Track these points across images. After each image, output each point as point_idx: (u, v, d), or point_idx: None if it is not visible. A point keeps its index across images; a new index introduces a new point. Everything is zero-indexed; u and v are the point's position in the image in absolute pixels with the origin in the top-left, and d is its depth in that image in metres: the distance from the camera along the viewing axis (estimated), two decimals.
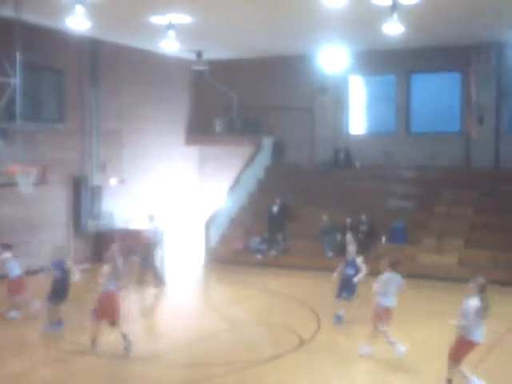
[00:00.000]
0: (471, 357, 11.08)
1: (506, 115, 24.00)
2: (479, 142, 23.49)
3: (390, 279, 12.50)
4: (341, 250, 21.70)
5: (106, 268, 12.80)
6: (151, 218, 19.50)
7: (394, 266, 12.62)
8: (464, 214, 22.01)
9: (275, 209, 23.35)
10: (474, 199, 22.47)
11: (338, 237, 21.94)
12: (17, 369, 11.82)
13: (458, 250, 20.77)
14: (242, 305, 17.51)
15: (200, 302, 18.78)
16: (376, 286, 12.57)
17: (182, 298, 18.65)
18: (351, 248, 14.83)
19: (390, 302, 12.55)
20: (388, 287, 12.42)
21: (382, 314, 12.47)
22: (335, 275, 14.79)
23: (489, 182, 22.78)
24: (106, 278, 12.64)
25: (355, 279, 14.43)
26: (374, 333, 12.60)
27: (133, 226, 23.01)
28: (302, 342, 13.68)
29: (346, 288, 14.60)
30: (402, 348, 12.37)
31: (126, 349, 12.53)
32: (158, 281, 19.12)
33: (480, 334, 10.71)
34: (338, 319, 14.72)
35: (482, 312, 10.56)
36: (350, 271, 14.56)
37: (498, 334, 13.92)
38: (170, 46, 19.45)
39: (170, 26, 18.65)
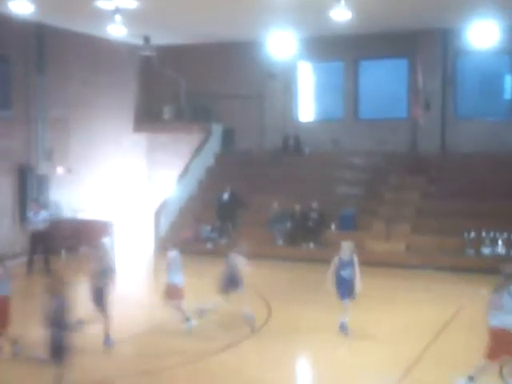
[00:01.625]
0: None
1: (451, 101, 24.32)
2: (426, 129, 23.76)
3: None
4: (291, 238, 21.92)
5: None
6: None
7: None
8: (411, 199, 22.28)
9: (225, 197, 23.25)
10: (420, 185, 22.76)
11: (289, 225, 22.02)
12: None
13: (406, 236, 21.02)
14: (193, 294, 17.36)
15: (150, 292, 18.59)
16: None
17: (132, 288, 18.44)
18: (346, 248, 13.50)
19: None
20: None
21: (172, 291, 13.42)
22: (330, 279, 13.42)
23: (435, 168, 23.08)
24: None
25: (356, 280, 13.36)
26: None
27: (81, 215, 22.70)
28: (253, 330, 13.67)
29: (348, 288, 13.36)
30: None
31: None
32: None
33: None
34: (344, 327, 13.32)
35: None
36: (347, 271, 13.34)
37: (449, 315, 14.24)
38: (116, 31, 19.15)
39: (117, 11, 18.34)
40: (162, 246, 22.82)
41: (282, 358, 12.21)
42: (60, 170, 22.84)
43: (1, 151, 20.05)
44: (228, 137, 26.80)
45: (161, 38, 24.06)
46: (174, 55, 25.89)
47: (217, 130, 26.59)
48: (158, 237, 23.35)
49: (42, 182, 22.29)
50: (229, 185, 23.40)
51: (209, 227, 22.80)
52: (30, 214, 19.76)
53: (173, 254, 13.63)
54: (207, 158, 26.02)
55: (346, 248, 13.40)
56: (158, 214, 23.64)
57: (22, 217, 21.58)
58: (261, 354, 12.33)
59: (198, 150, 25.88)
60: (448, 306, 15.60)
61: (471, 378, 10.28)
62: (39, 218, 19.40)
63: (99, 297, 12.71)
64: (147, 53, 24.56)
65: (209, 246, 22.43)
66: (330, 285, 13.30)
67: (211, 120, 26.41)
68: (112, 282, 13.09)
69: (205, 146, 26.06)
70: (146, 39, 24.07)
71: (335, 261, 13.34)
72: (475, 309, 15.24)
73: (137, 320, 14.74)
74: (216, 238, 22.55)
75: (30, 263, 19.26)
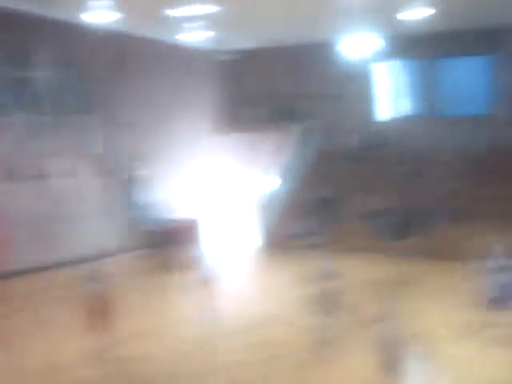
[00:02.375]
0: None
1: None
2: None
3: None
4: (393, 233, 21.48)
5: None
6: None
7: None
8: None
9: (323, 193, 23.14)
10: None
11: (388, 220, 21.74)
12: None
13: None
14: (297, 289, 16.94)
15: (253, 287, 18.62)
16: None
17: (236, 283, 18.55)
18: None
19: None
20: None
21: None
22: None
23: None
24: None
25: None
26: None
27: (169, 215, 23.15)
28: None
29: None
30: None
31: None
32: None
33: None
34: None
35: None
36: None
37: None
38: (196, 36, 19.42)
39: (195, 17, 18.60)
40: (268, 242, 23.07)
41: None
42: (146, 172, 23.32)
43: (90, 155, 20.43)
44: (326, 134, 26.52)
45: (240, 42, 24.25)
46: (251, 58, 26.00)
47: (300, 129, 26.51)
48: (263, 232, 23.33)
49: (130, 184, 22.90)
50: (325, 182, 23.28)
51: (312, 222, 22.50)
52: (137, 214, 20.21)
53: None
54: (307, 155, 25.90)
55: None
56: (259, 212, 23.71)
57: (114, 217, 22.26)
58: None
59: (282, 150, 25.85)
60: None
61: None
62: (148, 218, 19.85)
63: None
64: (227, 57, 24.80)
65: (308, 241, 21.95)
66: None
67: (291, 120, 26.36)
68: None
69: (293, 145, 26.00)
70: (226, 44, 24.31)
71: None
72: None
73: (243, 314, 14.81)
74: (320, 233, 22.18)
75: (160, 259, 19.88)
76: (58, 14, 18.07)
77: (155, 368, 11.51)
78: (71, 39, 20.23)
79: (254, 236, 23.52)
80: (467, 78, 24.87)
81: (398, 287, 16.14)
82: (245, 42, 24.57)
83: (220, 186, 26.56)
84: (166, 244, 21.35)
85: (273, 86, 26.22)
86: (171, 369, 11.49)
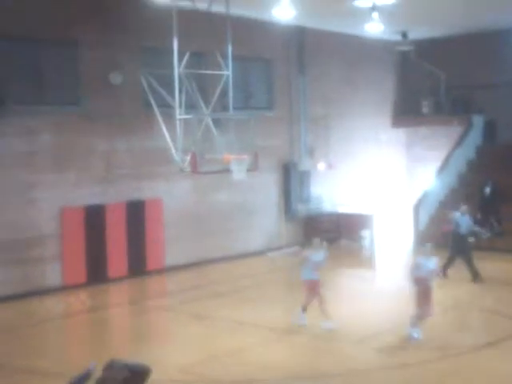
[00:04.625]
0: None
1: None
2: None
3: None
4: None
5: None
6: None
7: None
8: None
9: (487, 190, 22.48)
10: None
11: None
12: None
13: None
14: (450, 289, 17.02)
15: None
16: None
17: (392, 283, 18.52)
18: None
19: None
20: None
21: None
22: None
23: None
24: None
25: None
26: None
27: (341, 209, 23.36)
28: None
29: None
30: None
31: None
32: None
33: None
34: None
35: None
36: None
37: None
38: (374, 28, 19.45)
39: (374, 8, 18.62)
40: (422, 240, 22.73)
41: None
42: (321, 165, 23.63)
43: (266, 149, 21.19)
44: (490, 129, 25.79)
45: (418, 33, 23.93)
46: (431, 48, 25.53)
47: (478, 121, 25.71)
48: (417, 230, 23.18)
49: (305, 178, 23.27)
50: (491, 178, 22.58)
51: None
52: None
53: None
54: (468, 150, 25.28)
55: None
56: (417, 208, 23.46)
57: (288, 210, 22.80)
58: None
59: (459, 143, 25.24)
60: None
61: None
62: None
63: None
64: (404, 48, 24.59)
65: (470, 239, 21.71)
66: None
67: (471, 112, 25.62)
68: None
69: (465, 138, 25.34)
70: (404, 34, 24.10)
71: None
72: None
73: (395, 313, 14.80)
74: (478, 232, 21.79)
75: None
76: (239, 11, 18.67)
77: None
78: (255, 36, 20.97)
79: (409, 235, 23.08)
80: None
81: None
82: (425, 31, 24.14)
83: (387, 181, 26.29)
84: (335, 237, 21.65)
85: (452, 77, 25.50)
86: None
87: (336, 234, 22.63)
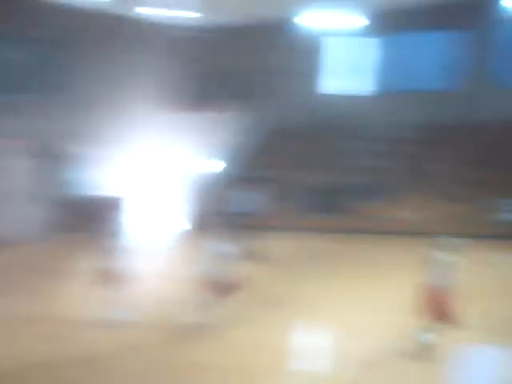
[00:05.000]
0: None
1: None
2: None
3: None
4: (323, 209, 21.66)
5: None
6: None
7: None
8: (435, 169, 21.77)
9: (265, 171, 23.01)
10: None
11: (322, 196, 21.85)
12: None
13: (430, 206, 20.58)
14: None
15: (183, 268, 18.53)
16: None
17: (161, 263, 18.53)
18: None
19: None
20: None
21: None
22: None
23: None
24: None
25: None
26: None
27: (102, 193, 22.90)
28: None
29: None
30: None
31: None
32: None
33: None
34: None
35: None
36: None
37: None
38: (156, 11, 19.04)
39: None
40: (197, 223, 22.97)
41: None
42: (85, 149, 22.97)
43: (25, 133, 20.00)
44: (263, 114, 26.47)
45: (200, 19, 23.90)
46: (209, 33, 25.75)
47: (252, 107, 26.34)
48: (193, 213, 23.33)
49: (65, 162, 22.57)
50: (261, 161, 23.25)
51: (246, 201, 22.33)
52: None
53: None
54: (242, 134, 25.80)
55: None
56: (193, 191, 23.64)
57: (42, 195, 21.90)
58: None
59: (233, 128, 25.75)
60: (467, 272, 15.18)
61: None
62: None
63: None
64: (187, 33, 24.46)
65: (246, 220, 21.89)
66: None
67: (247, 98, 26.15)
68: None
69: (240, 123, 25.91)
70: (187, 19, 24.00)
71: None
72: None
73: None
74: (252, 212, 22.11)
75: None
76: None
77: None
78: (49, 18, 20.01)
79: (184, 216, 23.32)
80: (427, 53, 24.88)
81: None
82: (205, 18, 24.26)
83: (158, 165, 26.20)
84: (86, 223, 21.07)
85: (230, 64, 25.99)
86: None
87: (93, 218, 21.92)
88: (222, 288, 12.10)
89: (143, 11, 19.47)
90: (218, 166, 24.80)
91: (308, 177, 22.17)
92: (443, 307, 10.45)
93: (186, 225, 23.23)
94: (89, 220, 20.91)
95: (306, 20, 20.52)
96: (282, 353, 11.17)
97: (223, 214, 22.49)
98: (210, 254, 12.25)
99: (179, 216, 23.80)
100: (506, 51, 23.61)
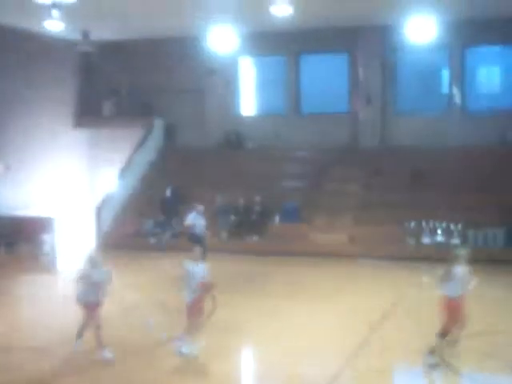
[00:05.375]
0: None
1: (391, 96, 24.71)
2: (366, 122, 24.12)
3: None
4: (235, 231, 21.99)
5: None
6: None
7: None
8: (353, 191, 22.57)
9: (168, 192, 23.18)
10: (361, 177, 23.08)
11: (232, 218, 22.11)
12: None
13: (349, 227, 21.30)
14: (136, 289, 17.32)
15: None
16: None
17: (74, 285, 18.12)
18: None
19: None
20: None
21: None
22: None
23: (376, 161, 23.44)
24: None
25: None
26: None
27: (20, 212, 22.29)
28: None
29: None
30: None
31: None
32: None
33: None
34: None
35: None
36: None
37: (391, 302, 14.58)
38: (54, 26, 18.78)
39: (55, 5, 18.00)
40: (105, 242, 22.72)
41: (227, 348, 12.23)
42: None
43: None
44: (170, 132, 26.69)
45: (100, 33, 23.71)
46: (114, 50, 25.63)
47: (159, 125, 26.45)
48: (100, 232, 23.11)
49: None
50: (172, 180, 23.33)
51: (152, 222, 22.70)
52: None
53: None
54: (149, 153, 25.86)
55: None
56: (100, 210, 23.40)
57: None
58: (206, 345, 12.29)
59: (140, 145, 25.71)
60: (390, 293, 15.90)
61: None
62: None
63: None
64: (86, 48, 24.20)
65: (152, 240, 22.32)
66: None
67: (153, 115, 26.26)
68: None
69: (147, 141, 25.92)
70: (85, 34, 23.71)
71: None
72: (416, 296, 15.77)
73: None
74: (159, 232, 22.46)
75: None
76: None
77: None
78: None
79: (91, 237, 23.09)
80: (329, 75, 25.62)
81: None
82: (107, 33, 24.05)
83: (69, 183, 25.81)
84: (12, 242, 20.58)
85: (135, 80, 25.86)
86: None
87: (14, 239, 21.41)
88: None
89: (42, 26, 19.02)
90: (128, 184, 24.61)
91: (219, 197, 22.32)
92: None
93: (95, 245, 22.91)
94: (18, 240, 20.39)
95: (213, 38, 20.85)
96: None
97: (134, 235, 22.54)
98: None
99: (89, 236, 23.43)
100: (405, 79, 24.83)
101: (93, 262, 11.79)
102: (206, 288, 11.76)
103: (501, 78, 24.87)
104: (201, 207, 18.45)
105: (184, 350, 11.62)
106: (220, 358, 11.69)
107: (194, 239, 17.45)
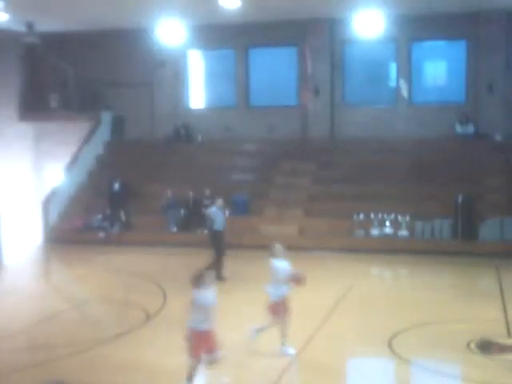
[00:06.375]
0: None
1: (339, 88, 24.84)
2: (315, 115, 24.22)
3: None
4: (185, 224, 21.88)
5: None
6: None
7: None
8: (303, 184, 22.64)
9: (116, 185, 22.90)
10: (311, 170, 23.16)
11: (182, 212, 21.98)
12: None
13: (298, 220, 21.36)
14: (85, 284, 17.12)
15: (40, 283, 18.11)
16: None
17: (21, 280, 17.87)
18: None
19: None
20: None
21: None
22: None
23: (325, 154, 23.56)
24: None
25: None
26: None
27: None
28: (148, 318, 13.53)
29: None
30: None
31: None
32: None
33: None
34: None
35: None
36: None
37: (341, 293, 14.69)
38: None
39: None
40: (52, 237, 22.39)
41: (177, 344, 12.11)
42: None
43: None
44: (118, 125, 26.35)
45: (45, 25, 23.28)
46: (60, 42, 25.11)
47: (106, 118, 26.08)
48: (46, 227, 22.75)
49: None
50: (120, 173, 23.06)
51: (100, 216, 22.42)
52: None
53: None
54: (97, 146, 25.50)
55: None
56: (46, 204, 23.03)
57: None
58: (155, 341, 12.18)
59: (87, 139, 25.34)
60: (340, 285, 16.00)
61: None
62: None
63: None
64: (31, 40, 23.74)
65: (100, 234, 22.05)
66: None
67: (100, 108, 25.90)
68: None
69: (94, 134, 25.54)
70: (30, 25, 23.27)
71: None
72: (366, 287, 15.92)
73: (27, 312, 14.28)
74: (107, 226, 22.20)
75: None
76: None
77: None
78: None
79: (37, 232, 22.78)
80: (278, 68, 25.65)
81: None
82: (53, 24, 23.58)
83: (14, 178, 25.30)
84: None
85: (82, 72, 25.42)
86: None
87: None
88: None
89: None
90: (75, 179, 24.26)
91: (168, 191, 22.16)
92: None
93: (38, 239, 22.58)
94: None
95: (161, 31, 20.68)
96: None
97: (83, 229, 22.26)
98: None
99: (36, 230, 23.05)
100: (353, 72, 25.01)
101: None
102: (298, 279, 11.44)
103: (447, 71, 25.22)
104: (220, 201, 17.25)
105: (289, 351, 11.39)
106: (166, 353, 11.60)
107: (212, 238, 16.89)
